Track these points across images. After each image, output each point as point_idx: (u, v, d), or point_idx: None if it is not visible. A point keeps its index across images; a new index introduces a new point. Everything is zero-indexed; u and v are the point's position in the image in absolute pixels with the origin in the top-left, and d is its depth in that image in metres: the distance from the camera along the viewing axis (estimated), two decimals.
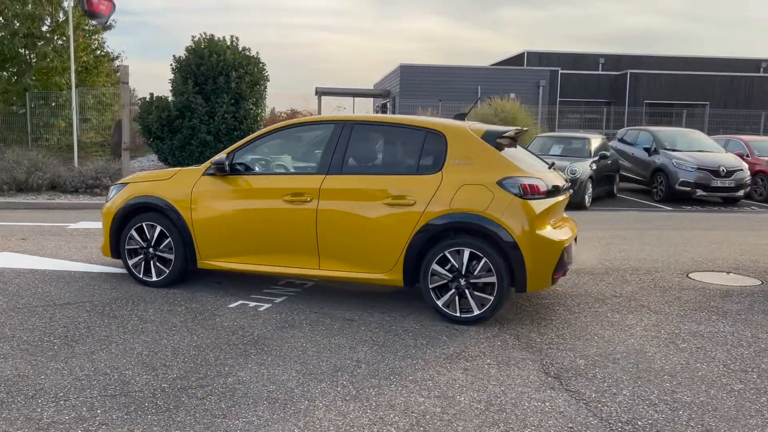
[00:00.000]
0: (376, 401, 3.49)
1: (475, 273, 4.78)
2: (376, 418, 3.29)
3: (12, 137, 20.20)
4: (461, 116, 5.67)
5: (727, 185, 14.45)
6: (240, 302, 5.34)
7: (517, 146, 5.71)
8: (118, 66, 25.09)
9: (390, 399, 3.53)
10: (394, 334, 4.63)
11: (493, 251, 4.74)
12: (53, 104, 20.71)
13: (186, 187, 5.56)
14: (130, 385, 3.64)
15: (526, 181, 4.81)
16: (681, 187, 14.50)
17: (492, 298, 4.76)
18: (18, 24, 21.28)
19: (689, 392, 3.68)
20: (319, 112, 31.02)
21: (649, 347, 4.44)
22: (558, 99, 28.15)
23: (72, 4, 20.25)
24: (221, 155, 5.48)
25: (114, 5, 16.81)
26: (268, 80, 16.82)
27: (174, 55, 16.05)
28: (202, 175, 5.54)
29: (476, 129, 5.10)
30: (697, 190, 14.40)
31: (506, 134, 5.16)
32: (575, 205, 13.04)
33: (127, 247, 5.77)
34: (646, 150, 15.92)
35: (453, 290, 4.85)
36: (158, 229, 5.62)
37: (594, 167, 13.76)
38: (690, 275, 6.68)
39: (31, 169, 11.84)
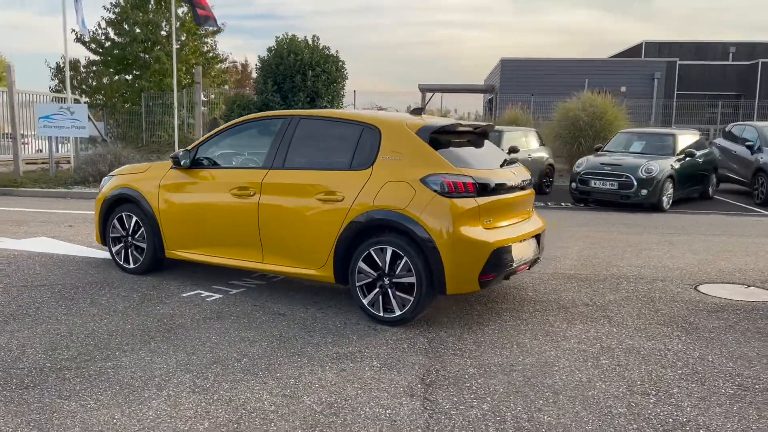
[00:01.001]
0: (219, 395, 3.50)
1: (397, 272, 4.62)
2: (202, 412, 3.30)
3: (131, 134, 22.20)
4: (418, 111, 5.46)
5: None
6: (196, 292, 5.53)
7: (484, 141, 5.43)
8: (226, 68, 26.71)
9: (235, 394, 3.51)
10: (308, 331, 4.59)
11: (412, 250, 4.55)
12: (167, 103, 22.39)
13: (156, 180, 5.85)
14: (20, 362, 3.92)
15: (450, 178, 4.56)
16: None
17: (412, 299, 4.58)
18: (138, 30, 23.32)
19: (556, 412, 3.33)
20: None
21: (563, 361, 4.05)
22: (675, 92, 26.08)
23: (185, 10, 21.84)
24: (181, 150, 5.71)
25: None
26: (347, 78, 17.14)
27: (258, 56, 16.86)
28: (170, 168, 5.80)
29: (412, 124, 4.91)
30: None
31: (444, 128, 4.92)
32: (650, 206, 12.09)
33: (111, 235, 6.18)
34: (749, 147, 14.36)
35: (377, 289, 4.72)
36: (134, 219, 5.97)
37: (676, 166, 12.62)
38: (699, 287, 5.97)
39: (114, 163, 12.97)
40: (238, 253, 5.41)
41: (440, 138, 4.89)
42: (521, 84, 26.08)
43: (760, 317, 5.04)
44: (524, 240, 5.02)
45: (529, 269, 5.40)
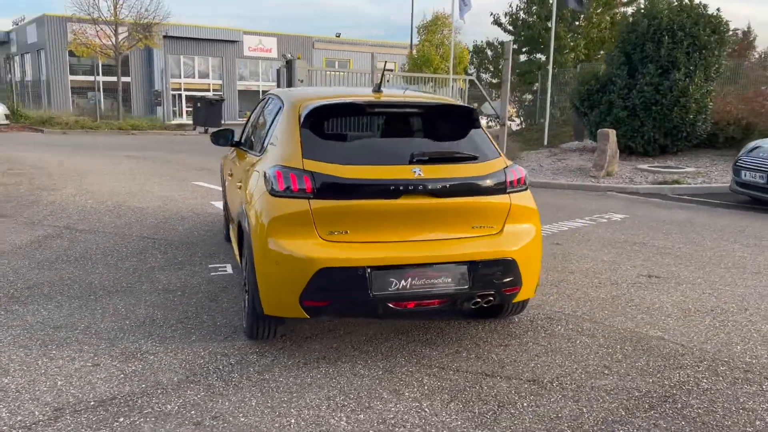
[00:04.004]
0: None
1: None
2: None
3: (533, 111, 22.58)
4: (378, 87, 4.27)
5: None
6: (223, 265, 5.79)
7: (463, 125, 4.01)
8: None
9: None
10: (180, 321, 4.34)
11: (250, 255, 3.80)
12: (561, 81, 21.83)
13: (226, 157, 6.24)
14: None
15: (284, 171, 3.58)
16: None
17: (245, 313, 3.87)
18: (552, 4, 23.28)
19: None
20: None
21: (304, 412, 2.87)
22: None
23: None
24: (222, 129, 5.87)
25: None
26: (726, 44, 13.58)
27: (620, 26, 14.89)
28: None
29: (306, 103, 3.96)
30: None
31: (331, 107, 3.86)
32: None
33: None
34: None
35: (246, 294, 4.12)
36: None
37: None
38: None
39: None
40: None
41: (330, 119, 3.86)
42: None
43: None
44: (424, 266, 3.55)
45: (452, 307, 3.75)
